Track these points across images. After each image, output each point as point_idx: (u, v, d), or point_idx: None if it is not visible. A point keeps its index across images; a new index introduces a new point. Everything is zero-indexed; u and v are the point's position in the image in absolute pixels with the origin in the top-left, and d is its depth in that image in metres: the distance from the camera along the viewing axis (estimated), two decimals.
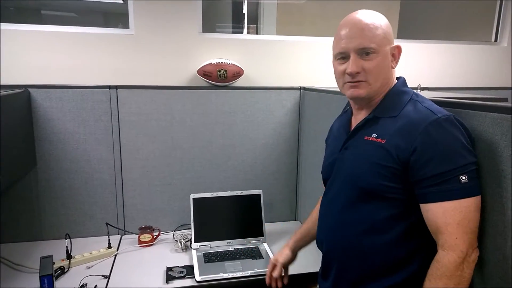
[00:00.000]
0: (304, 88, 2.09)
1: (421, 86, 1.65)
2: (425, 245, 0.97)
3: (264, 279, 1.58)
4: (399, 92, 1.03)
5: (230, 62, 1.96)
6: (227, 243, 1.86)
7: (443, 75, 2.40)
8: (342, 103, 1.60)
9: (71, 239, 1.74)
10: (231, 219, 1.91)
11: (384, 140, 0.97)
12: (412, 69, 2.34)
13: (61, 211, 1.92)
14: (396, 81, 1.08)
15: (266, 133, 2.08)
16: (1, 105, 1.47)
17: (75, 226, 1.94)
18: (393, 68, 1.04)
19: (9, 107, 1.55)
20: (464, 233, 0.88)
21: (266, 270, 1.58)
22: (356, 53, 0.99)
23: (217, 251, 1.80)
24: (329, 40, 2.17)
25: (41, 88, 1.80)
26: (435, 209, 0.91)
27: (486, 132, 0.91)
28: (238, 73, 1.97)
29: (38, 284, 1.49)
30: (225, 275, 1.60)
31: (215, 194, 1.90)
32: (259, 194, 1.94)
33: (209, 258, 1.74)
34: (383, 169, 0.96)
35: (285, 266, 1.38)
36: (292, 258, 1.39)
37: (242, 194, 1.93)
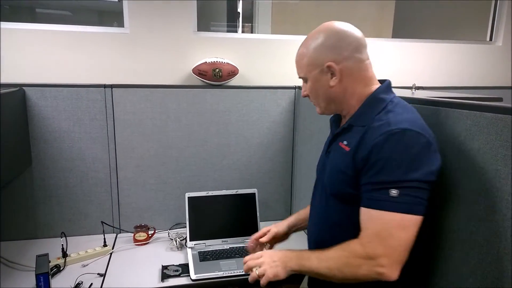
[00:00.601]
0: (299, 87, 2.09)
1: (416, 85, 1.66)
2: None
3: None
4: (375, 100, 1.02)
5: (225, 61, 1.96)
6: (222, 241, 1.87)
7: (438, 74, 2.42)
8: None
9: (67, 238, 1.74)
10: (226, 218, 1.92)
11: (349, 148, 1.00)
12: (407, 68, 2.35)
13: (56, 209, 1.93)
14: (377, 86, 1.06)
15: (261, 132, 2.09)
16: None
17: (70, 225, 1.95)
18: (332, 86, 1.03)
19: (4, 106, 1.55)
20: (380, 244, 0.89)
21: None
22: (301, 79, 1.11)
23: (212, 250, 1.81)
24: None
25: (36, 87, 1.80)
26: (363, 213, 0.95)
27: (481, 131, 0.91)
28: (233, 72, 1.97)
29: (34, 282, 1.50)
30: (220, 274, 1.61)
31: (210, 193, 1.91)
32: (254, 193, 1.95)
33: (204, 257, 1.74)
34: (345, 176, 1.00)
35: (276, 237, 1.33)
36: (286, 233, 1.35)
37: (237, 193, 1.94)
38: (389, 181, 0.89)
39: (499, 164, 0.86)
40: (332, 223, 1.06)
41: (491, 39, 2.55)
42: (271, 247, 1.34)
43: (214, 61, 1.93)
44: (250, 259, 1.07)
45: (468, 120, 0.95)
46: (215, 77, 1.93)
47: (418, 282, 1.09)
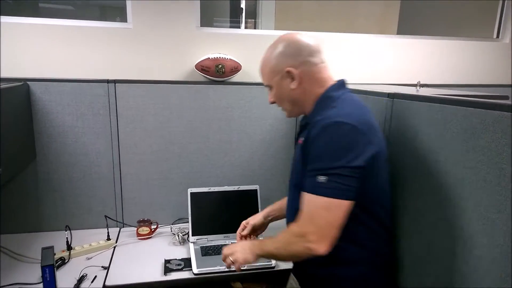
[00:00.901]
0: None
1: (421, 83, 1.65)
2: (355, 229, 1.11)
3: (260, 272, 1.62)
4: (325, 99, 1.13)
5: (228, 57, 1.96)
6: (224, 237, 1.88)
7: (443, 71, 2.40)
8: None
9: (71, 231, 1.76)
10: (228, 213, 1.93)
11: (302, 142, 1.13)
12: (412, 66, 2.34)
13: (60, 203, 1.94)
14: (329, 86, 1.16)
15: (263, 128, 2.10)
16: (1, 98, 1.48)
17: (74, 218, 1.97)
18: (293, 89, 1.15)
19: (8, 100, 1.56)
20: (310, 223, 1.03)
21: (262, 264, 1.63)
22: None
23: (214, 245, 1.82)
24: (328, 36, 2.19)
25: (40, 82, 1.81)
26: (301, 197, 1.08)
27: (487, 130, 0.91)
28: (236, 68, 1.98)
29: (39, 273, 1.52)
30: (222, 268, 1.63)
31: (212, 189, 1.92)
32: (256, 190, 1.96)
33: (206, 252, 1.76)
34: (299, 168, 1.14)
35: (255, 229, 1.51)
36: (263, 224, 1.52)
37: (239, 189, 1.95)
38: (318, 168, 1.02)
39: (504, 162, 0.86)
40: (295, 210, 1.14)
41: (498, 36, 2.54)
42: (253, 237, 1.52)
43: (217, 57, 1.93)
44: (226, 249, 1.23)
45: (474, 117, 0.94)
46: (217, 73, 1.94)
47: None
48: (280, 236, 1.12)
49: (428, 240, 1.10)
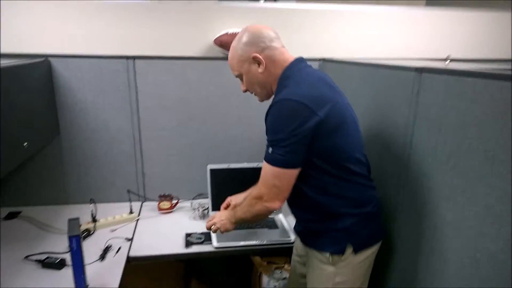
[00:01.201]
0: (324, 60, 2.03)
1: (450, 57, 1.57)
2: (306, 188, 1.24)
3: (279, 248, 1.63)
4: (282, 79, 1.25)
5: None
6: None
7: (475, 45, 2.27)
8: (365, 75, 1.57)
9: (96, 204, 1.81)
10: (247, 190, 1.92)
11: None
12: (441, 39, 2.23)
13: (84, 177, 1.99)
14: (286, 66, 1.25)
15: None
16: (24, 74, 1.49)
17: (98, 192, 2.01)
18: (261, 73, 1.26)
19: (31, 76, 1.58)
20: (263, 186, 1.21)
21: (281, 240, 1.64)
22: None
23: None
24: (352, 8, 2.10)
25: (61, 58, 1.81)
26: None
27: None
28: None
29: (66, 244, 1.57)
30: (242, 243, 1.64)
31: (232, 166, 1.92)
32: None
33: None
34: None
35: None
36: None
37: (258, 166, 1.94)
38: (268, 140, 1.18)
39: None
40: None
41: None
42: None
43: (235, 32, 1.89)
44: (207, 221, 1.47)
45: (508, 92, 0.88)
46: None
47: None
48: (245, 202, 1.32)
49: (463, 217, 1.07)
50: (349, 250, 1.25)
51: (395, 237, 1.37)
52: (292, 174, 1.18)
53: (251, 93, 1.35)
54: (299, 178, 1.21)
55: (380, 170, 1.45)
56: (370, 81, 1.54)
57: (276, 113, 1.15)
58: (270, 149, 1.16)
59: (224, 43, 1.89)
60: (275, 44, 1.26)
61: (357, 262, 1.27)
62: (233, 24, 1.97)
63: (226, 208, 1.59)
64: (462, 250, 1.03)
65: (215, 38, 1.92)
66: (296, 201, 1.31)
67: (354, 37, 2.14)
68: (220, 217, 1.44)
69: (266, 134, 1.20)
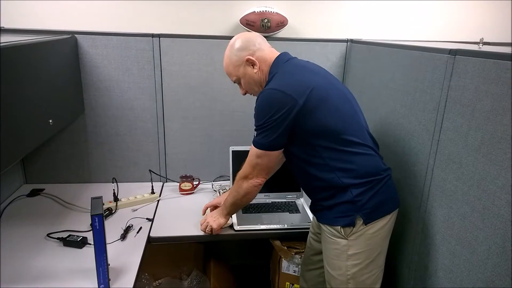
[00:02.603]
0: (352, 41, 1.97)
1: (484, 40, 1.50)
2: (312, 169, 1.33)
3: (299, 232, 1.62)
4: (270, 74, 1.36)
5: (274, 10, 1.87)
6: (265, 196, 1.89)
7: (508, 28, 2.17)
8: (394, 56, 1.52)
9: (118, 183, 1.83)
10: None
11: None
12: (474, 22, 2.13)
13: (107, 156, 2.02)
14: (272, 62, 1.37)
15: None
16: (50, 50, 1.51)
17: (120, 171, 2.04)
18: (256, 72, 1.37)
19: (58, 52, 1.59)
20: (248, 165, 1.37)
21: (302, 225, 1.63)
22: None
23: (255, 203, 1.83)
24: None
25: (87, 35, 1.82)
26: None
27: None
28: (282, 23, 1.89)
29: (88, 222, 1.60)
30: (263, 227, 1.64)
31: None
32: None
33: (247, 209, 1.78)
34: None
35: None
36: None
37: None
38: (255, 126, 1.31)
39: None
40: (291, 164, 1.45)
41: None
42: None
43: (263, 11, 1.85)
44: (201, 224, 1.61)
45: None
46: (263, 28, 1.86)
47: None
48: (232, 187, 1.48)
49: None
50: (359, 221, 1.28)
51: (419, 225, 1.33)
52: (273, 154, 1.32)
53: (250, 94, 1.47)
54: (303, 161, 1.32)
55: (406, 156, 1.40)
56: (399, 63, 1.48)
57: (259, 102, 1.28)
58: (255, 133, 1.30)
59: (250, 22, 1.86)
60: (263, 46, 1.39)
61: (370, 233, 1.29)
62: (259, 2, 1.93)
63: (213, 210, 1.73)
64: (491, 240, 0.99)
65: (241, 17, 1.89)
66: (306, 182, 1.40)
67: (383, 18, 2.07)
68: (212, 215, 1.59)
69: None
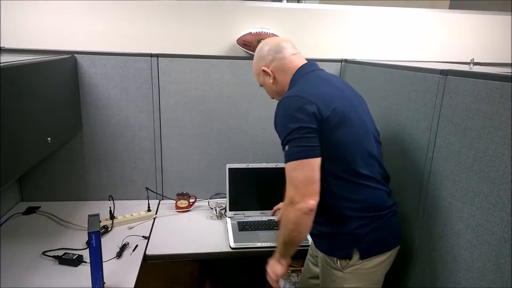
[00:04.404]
0: (346, 61, 2.02)
1: (474, 60, 1.55)
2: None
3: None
4: (291, 82, 1.29)
5: (270, 31, 1.92)
6: (261, 213, 1.89)
7: (499, 49, 2.23)
8: (387, 76, 1.55)
9: (114, 201, 1.83)
10: (265, 190, 1.93)
11: None
12: (464, 43, 2.19)
13: (104, 174, 2.02)
14: (295, 72, 1.30)
15: None
16: (50, 69, 1.53)
17: (116, 189, 2.04)
18: (272, 83, 1.34)
19: (57, 72, 1.62)
20: (290, 187, 1.15)
21: None
22: None
23: (251, 221, 1.84)
24: (375, 10, 2.08)
25: (87, 55, 1.85)
26: None
27: None
28: None
29: (84, 240, 1.60)
30: (259, 244, 1.64)
31: (251, 166, 1.92)
32: None
33: (243, 227, 1.78)
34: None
35: None
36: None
37: (277, 166, 1.94)
38: (282, 140, 1.17)
39: None
40: None
41: None
42: None
43: (259, 32, 1.90)
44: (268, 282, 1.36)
45: None
46: None
47: None
48: (281, 223, 1.22)
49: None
50: (355, 255, 1.23)
51: (415, 243, 1.34)
52: (313, 163, 1.13)
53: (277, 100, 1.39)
54: None
55: (400, 174, 1.42)
56: (392, 83, 1.52)
57: (280, 111, 1.18)
58: (286, 147, 1.15)
59: (247, 42, 1.90)
60: (282, 54, 1.31)
61: (366, 269, 1.24)
62: (256, 24, 1.98)
63: (277, 219, 1.68)
64: (486, 257, 1.00)
65: (238, 37, 1.93)
66: None
67: (376, 38, 2.12)
68: (268, 266, 1.33)
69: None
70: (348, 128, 1.19)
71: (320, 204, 1.19)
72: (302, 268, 1.63)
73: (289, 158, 1.14)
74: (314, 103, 1.14)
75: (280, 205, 1.74)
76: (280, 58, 1.31)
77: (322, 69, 1.32)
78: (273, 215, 1.81)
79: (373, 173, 1.24)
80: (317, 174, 1.14)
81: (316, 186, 1.14)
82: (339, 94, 1.24)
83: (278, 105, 1.20)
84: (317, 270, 1.44)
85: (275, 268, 1.29)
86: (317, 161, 1.14)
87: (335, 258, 1.26)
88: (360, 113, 1.25)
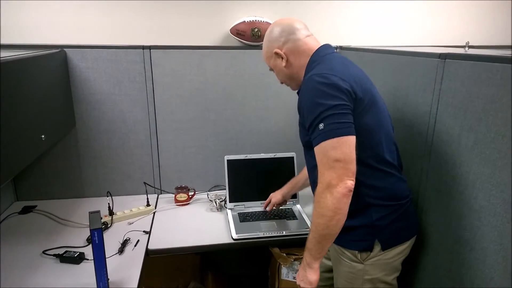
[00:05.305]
0: (341, 47, 2.01)
1: (469, 44, 1.55)
2: None
3: (298, 238, 1.63)
4: (309, 64, 1.24)
5: (264, 20, 1.89)
6: (261, 204, 1.89)
7: (494, 33, 2.24)
8: (384, 62, 1.55)
9: (112, 197, 1.81)
10: (264, 180, 1.92)
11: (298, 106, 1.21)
12: (459, 26, 2.19)
13: (101, 170, 1.99)
14: (313, 52, 1.24)
15: None
16: (39, 65, 1.49)
17: (114, 185, 2.02)
18: (285, 66, 1.28)
19: (47, 67, 1.58)
20: (325, 169, 1.07)
21: (301, 231, 1.63)
22: None
23: (252, 211, 1.83)
24: None
25: (77, 48, 1.81)
26: (314, 152, 1.11)
27: None
28: None
29: (84, 237, 1.58)
30: (261, 234, 1.64)
31: (249, 156, 1.91)
32: (293, 157, 1.94)
33: (244, 218, 1.78)
34: (301, 127, 1.22)
35: (277, 204, 1.81)
36: (282, 201, 1.81)
37: (275, 156, 1.93)
38: (314, 118, 1.08)
39: None
40: (310, 167, 1.28)
41: None
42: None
43: (252, 20, 1.87)
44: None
45: None
46: (253, 37, 1.88)
47: None
48: (313, 217, 1.13)
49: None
50: (377, 247, 1.21)
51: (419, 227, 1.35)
52: (352, 141, 1.07)
53: (287, 85, 1.37)
54: None
55: (401, 159, 1.43)
56: (390, 69, 1.51)
57: (309, 90, 1.11)
58: (321, 125, 1.06)
59: (240, 31, 1.88)
60: (297, 35, 1.25)
61: (386, 259, 1.23)
62: (249, 12, 1.95)
63: (268, 209, 1.80)
64: (489, 238, 1.02)
65: (231, 27, 1.90)
66: None
67: (371, 25, 2.11)
68: (299, 273, 1.23)
69: (304, 120, 1.15)
70: (376, 110, 1.16)
71: None
72: None
73: (326, 136, 1.06)
74: (347, 81, 1.10)
75: (273, 196, 1.79)
76: (293, 40, 1.25)
77: (339, 52, 1.30)
78: (265, 208, 1.83)
79: (394, 160, 1.22)
80: (354, 153, 1.07)
81: (354, 166, 1.07)
82: (364, 75, 1.21)
83: (304, 84, 1.14)
84: (329, 263, 1.42)
85: (308, 276, 1.18)
86: (354, 139, 1.08)
87: (356, 251, 1.23)
88: (380, 96, 1.24)
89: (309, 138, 1.14)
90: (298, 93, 1.27)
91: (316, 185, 1.15)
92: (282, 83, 1.38)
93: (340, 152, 1.05)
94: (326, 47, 1.26)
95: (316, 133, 1.08)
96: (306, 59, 1.25)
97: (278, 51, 1.26)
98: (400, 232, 1.24)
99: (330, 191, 1.06)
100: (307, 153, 1.28)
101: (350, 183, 1.06)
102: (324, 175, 1.08)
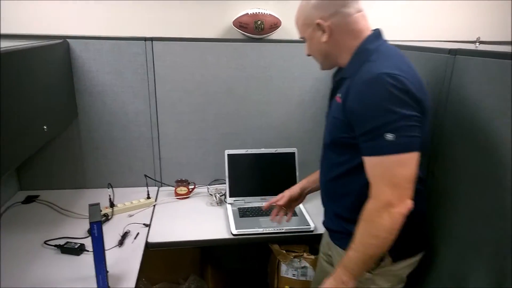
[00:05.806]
0: None
1: (480, 39, 1.51)
2: (360, 183, 1.06)
3: (298, 235, 1.61)
4: (361, 51, 1.07)
5: (268, 12, 1.86)
6: (261, 199, 1.87)
7: (505, 27, 2.18)
8: None
9: (113, 189, 1.80)
10: (265, 176, 1.91)
11: (341, 100, 1.07)
12: (470, 21, 2.14)
13: (102, 161, 1.99)
14: (365, 37, 1.09)
15: (302, 89, 2.01)
16: (42, 55, 1.48)
17: (115, 177, 2.01)
18: (324, 42, 1.09)
19: (49, 58, 1.56)
20: (386, 185, 0.96)
21: (301, 228, 1.61)
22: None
23: (252, 207, 1.82)
24: None
25: (80, 39, 1.79)
26: (366, 162, 1.01)
27: None
28: (276, 25, 1.88)
29: (85, 229, 1.58)
30: (261, 230, 1.63)
31: (250, 151, 1.89)
32: (294, 153, 1.92)
33: (244, 213, 1.76)
34: (338, 122, 1.09)
35: (292, 200, 1.49)
36: (299, 196, 1.50)
37: (276, 152, 1.91)
38: (379, 126, 0.95)
39: None
40: (331, 167, 1.19)
41: None
42: (290, 210, 1.52)
43: (256, 12, 1.84)
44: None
45: None
46: (256, 29, 1.85)
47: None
48: (357, 232, 1.03)
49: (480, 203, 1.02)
50: (387, 258, 1.14)
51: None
52: (418, 158, 0.97)
53: (316, 60, 1.21)
54: (351, 170, 1.09)
55: None
56: None
57: (378, 90, 0.95)
58: (389, 136, 0.93)
59: (243, 24, 1.85)
60: (349, 9, 1.06)
61: (395, 270, 1.17)
62: (253, 4, 1.91)
63: (279, 204, 1.45)
64: (495, 239, 0.99)
65: (234, 19, 1.87)
66: (339, 196, 1.17)
67: (379, 19, 2.05)
68: (331, 285, 1.12)
69: (355, 120, 1.01)
70: (427, 122, 1.04)
71: (357, 197, 1.09)
72: (309, 259, 1.58)
73: (395, 149, 0.94)
74: (419, 89, 0.97)
75: (279, 198, 1.48)
76: (344, 14, 1.06)
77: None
78: (266, 208, 1.54)
79: (421, 172, 1.10)
80: (417, 171, 0.99)
81: (413, 185, 0.99)
82: (419, 78, 1.05)
83: (369, 82, 0.97)
84: (332, 269, 1.32)
85: None
86: (419, 155, 0.98)
87: None
88: None
89: (351, 140, 1.05)
90: (340, 82, 1.13)
91: (331, 184, 1.13)
92: (309, 55, 1.20)
93: (409, 169, 0.96)
94: (379, 33, 1.11)
95: (378, 143, 0.95)
96: (354, 43, 1.08)
97: (322, 22, 1.06)
98: (413, 245, 1.19)
99: (389, 211, 0.96)
100: (332, 150, 1.18)
101: (410, 202, 0.98)
102: (384, 192, 0.97)
